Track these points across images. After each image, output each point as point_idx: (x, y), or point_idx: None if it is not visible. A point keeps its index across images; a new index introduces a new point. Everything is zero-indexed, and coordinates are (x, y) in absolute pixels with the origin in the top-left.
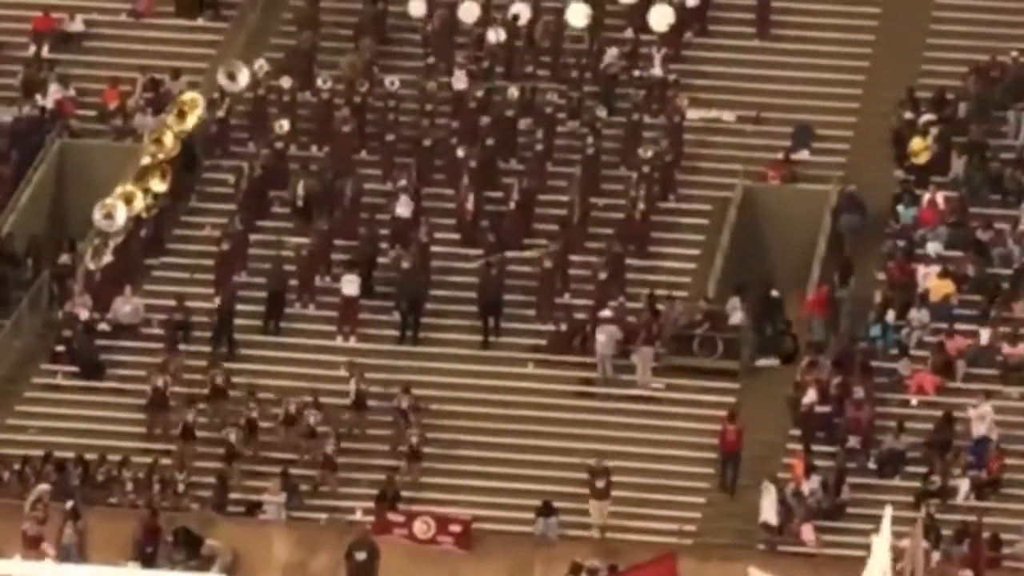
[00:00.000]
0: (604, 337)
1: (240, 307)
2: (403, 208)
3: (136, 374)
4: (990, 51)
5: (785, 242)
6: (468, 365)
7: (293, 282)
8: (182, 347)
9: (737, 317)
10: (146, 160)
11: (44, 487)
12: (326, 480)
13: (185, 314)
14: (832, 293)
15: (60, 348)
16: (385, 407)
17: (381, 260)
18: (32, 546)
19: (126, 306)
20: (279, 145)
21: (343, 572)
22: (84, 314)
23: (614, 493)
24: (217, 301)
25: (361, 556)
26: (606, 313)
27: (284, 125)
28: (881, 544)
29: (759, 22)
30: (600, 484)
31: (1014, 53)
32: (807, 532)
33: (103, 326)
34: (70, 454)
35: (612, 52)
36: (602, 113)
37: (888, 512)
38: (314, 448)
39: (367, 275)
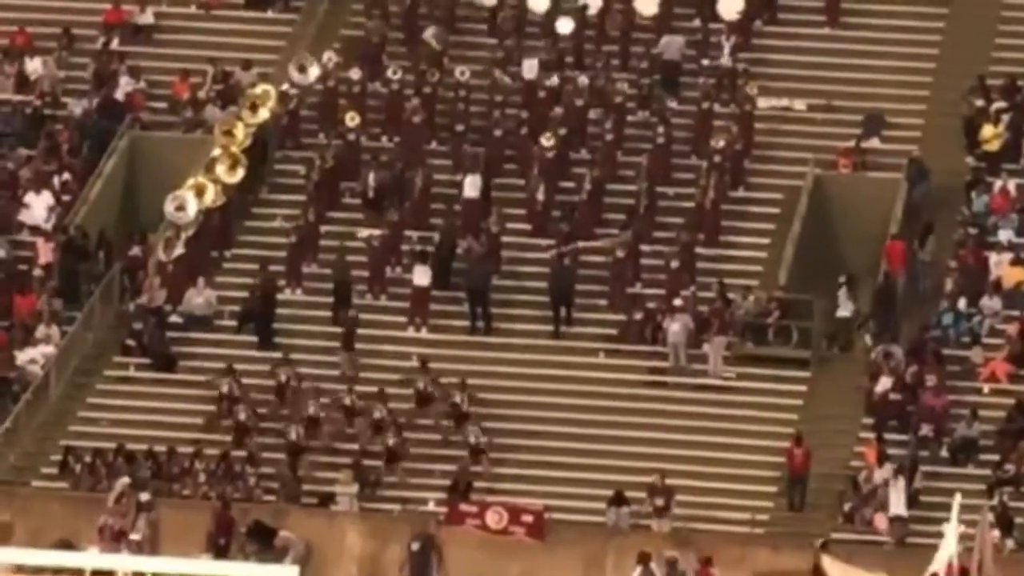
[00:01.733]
0: (677, 326)
1: (311, 299)
2: (471, 189)
3: (208, 366)
4: None
5: (856, 230)
6: (539, 355)
7: (364, 273)
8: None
9: (848, 308)
10: (217, 152)
11: (125, 480)
12: (393, 472)
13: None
14: (910, 251)
15: (131, 341)
16: (454, 399)
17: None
18: (116, 539)
19: (198, 298)
20: (351, 137)
21: None
22: (156, 306)
23: (686, 482)
24: (288, 293)
25: (415, 547)
26: (678, 302)
27: (355, 118)
28: (951, 532)
29: (829, 10)
30: (660, 502)
31: None
32: (880, 520)
33: (175, 318)
34: (142, 446)
35: (671, 39)
36: (670, 103)
37: (957, 500)
38: (380, 440)
39: (439, 266)
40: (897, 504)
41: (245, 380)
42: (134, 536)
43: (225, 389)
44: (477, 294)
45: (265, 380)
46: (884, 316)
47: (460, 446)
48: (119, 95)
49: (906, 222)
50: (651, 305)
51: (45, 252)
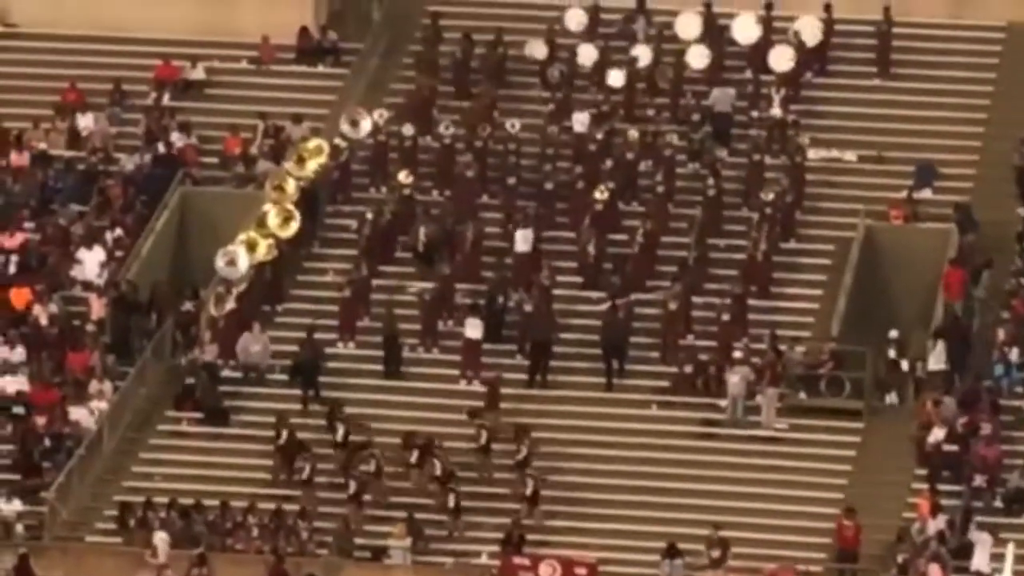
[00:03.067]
0: (737, 378)
1: (363, 352)
2: (523, 244)
3: (261, 420)
4: None
5: (908, 281)
6: (591, 407)
7: (415, 326)
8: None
9: (939, 362)
10: (268, 206)
11: (163, 535)
12: (452, 525)
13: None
14: (967, 284)
15: (184, 395)
16: (508, 450)
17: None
18: None
19: (255, 344)
20: (406, 191)
21: None
22: (208, 360)
23: (741, 534)
24: (341, 347)
25: None
26: (738, 354)
27: (409, 176)
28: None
29: (879, 61)
30: (716, 554)
31: None
32: (934, 572)
33: (227, 372)
34: (194, 500)
35: (723, 92)
36: (721, 154)
37: (1011, 550)
38: (438, 494)
39: (490, 319)
40: (981, 559)
41: (300, 433)
42: None
43: (283, 440)
44: (538, 348)
45: (317, 434)
46: (957, 348)
47: (512, 499)
48: (170, 150)
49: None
50: (703, 357)
51: (97, 308)
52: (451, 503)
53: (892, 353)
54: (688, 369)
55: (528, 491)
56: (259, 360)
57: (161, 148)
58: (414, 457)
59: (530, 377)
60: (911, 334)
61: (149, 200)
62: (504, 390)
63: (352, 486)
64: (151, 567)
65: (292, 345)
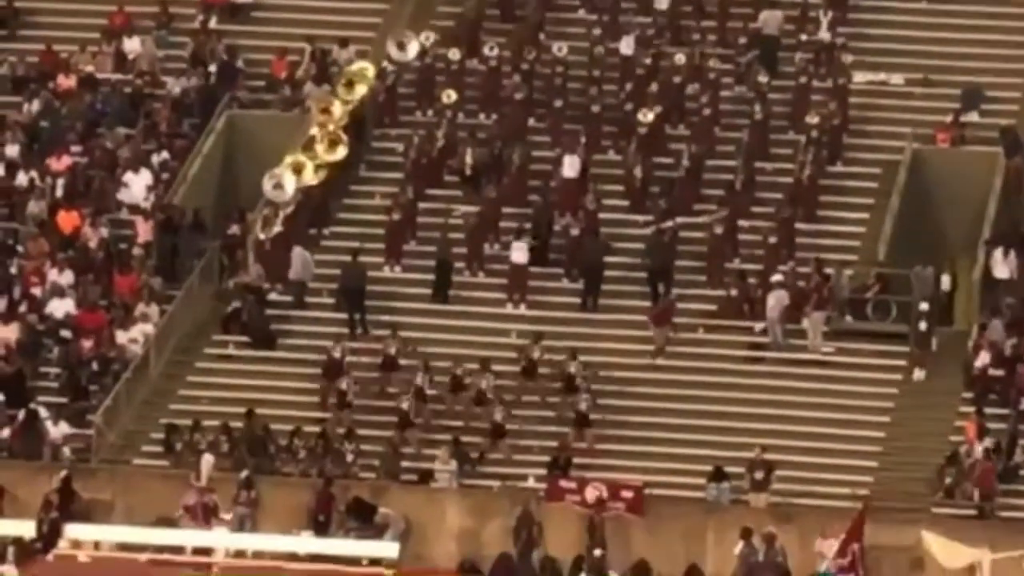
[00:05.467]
0: (773, 301)
1: (410, 276)
2: (569, 169)
3: (307, 343)
4: None
5: (955, 205)
6: (638, 331)
7: (462, 250)
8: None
9: (1004, 271)
10: (315, 130)
11: (210, 458)
12: (496, 448)
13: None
14: None
15: (231, 319)
16: (554, 374)
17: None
18: (207, 518)
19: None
20: (448, 114)
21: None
22: (255, 284)
23: (787, 457)
24: (387, 270)
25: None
26: (776, 278)
27: (451, 95)
28: None
29: None
30: (759, 476)
31: None
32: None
33: (275, 296)
34: (241, 424)
35: (772, 14)
36: (764, 78)
37: None
38: (483, 416)
39: (537, 243)
40: None
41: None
42: (225, 515)
43: (337, 354)
44: (587, 273)
45: (364, 357)
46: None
47: (561, 422)
48: (216, 73)
49: (1004, 193)
50: (750, 280)
51: (144, 231)
52: (492, 427)
53: (946, 283)
54: (734, 293)
55: (577, 415)
56: (298, 277)
57: (209, 71)
58: (453, 380)
59: (583, 301)
60: (958, 258)
61: (196, 123)
62: (552, 314)
63: (402, 408)
64: (196, 490)
65: (338, 269)
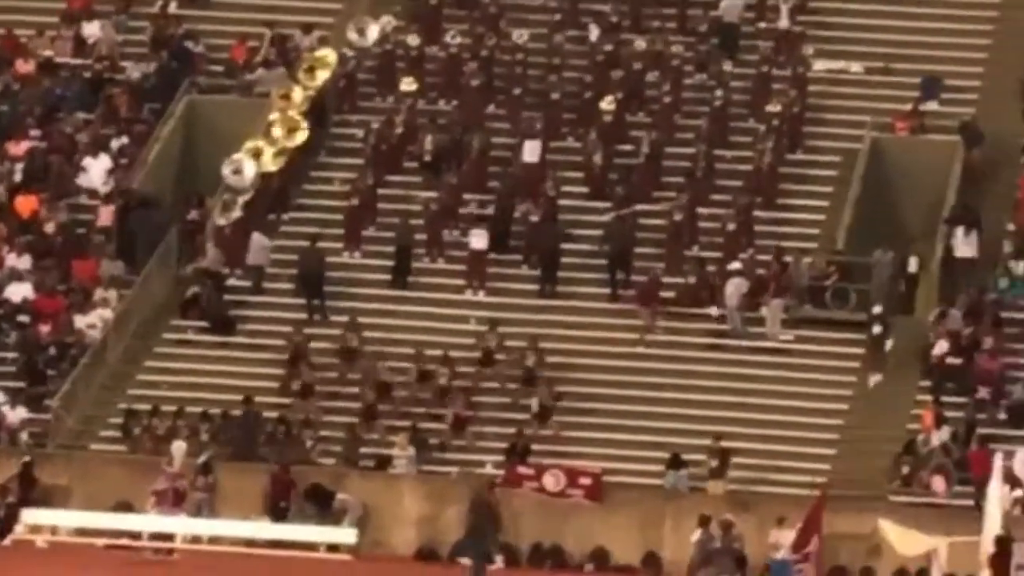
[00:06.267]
0: (732, 289)
1: (369, 262)
2: (530, 154)
3: (266, 329)
4: None
5: (914, 193)
6: (597, 318)
7: (421, 236)
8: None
9: (967, 250)
10: (274, 115)
11: (181, 444)
12: (456, 436)
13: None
14: None
15: (190, 304)
16: (514, 361)
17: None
18: (177, 503)
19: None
20: (408, 100)
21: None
22: (214, 269)
23: (745, 445)
24: (346, 256)
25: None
26: (735, 266)
27: (412, 83)
28: (994, 491)
29: None
30: (715, 464)
31: None
32: (937, 483)
33: (233, 281)
34: (200, 409)
35: (732, 2)
36: (726, 66)
37: (999, 460)
38: (443, 404)
39: (497, 229)
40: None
41: (305, 343)
42: (197, 497)
43: (299, 341)
44: (544, 259)
45: (325, 344)
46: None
47: (520, 409)
48: (175, 58)
49: (963, 184)
50: (709, 268)
51: (103, 216)
52: (452, 416)
53: (913, 265)
54: (693, 280)
55: (536, 403)
56: (255, 262)
57: (168, 56)
58: (416, 370)
59: (540, 288)
60: (917, 245)
61: (156, 108)
62: (511, 300)
63: (369, 396)
64: (167, 475)
65: (297, 254)
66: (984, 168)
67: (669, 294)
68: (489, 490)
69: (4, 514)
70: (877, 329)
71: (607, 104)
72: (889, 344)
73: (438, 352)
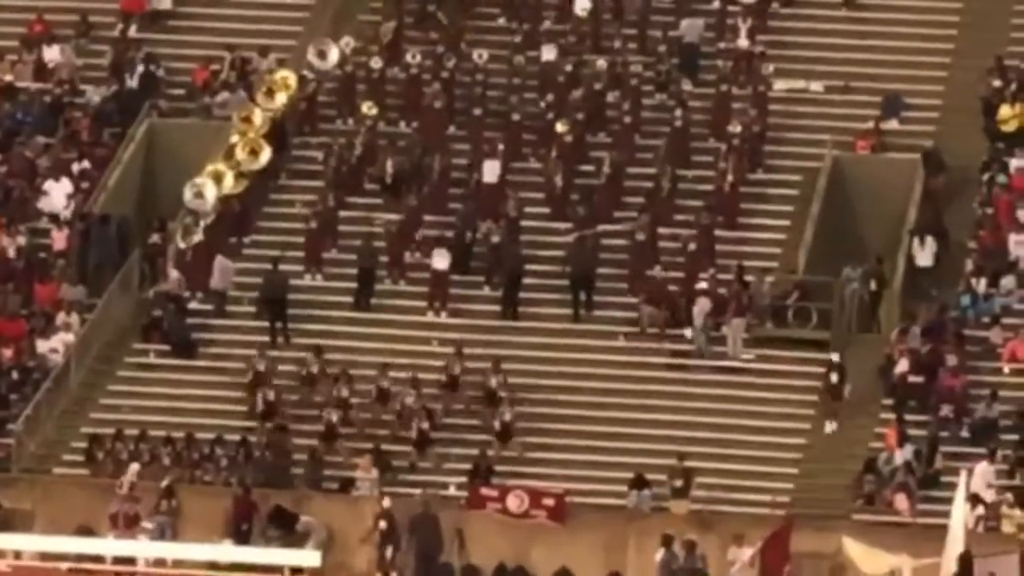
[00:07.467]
0: (698, 309)
1: (332, 284)
2: (490, 174)
3: (228, 352)
4: None
5: (876, 211)
6: (560, 339)
7: (383, 258)
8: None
9: (928, 259)
10: (235, 138)
11: (135, 467)
12: (420, 458)
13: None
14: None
15: (151, 327)
16: (476, 382)
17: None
18: (129, 526)
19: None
20: (369, 123)
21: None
22: (175, 292)
23: (708, 464)
24: (308, 279)
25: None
26: (702, 285)
27: (372, 107)
28: (958, 508)
29: None
30: (678, 483)
31: None
32: (900, 501)
33: (195, 304)
34: (162, 432)
35: (692, 22)
36: (687, 86)
37: (963, 477)
38: (406, 426)
39: (458, 250)
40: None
41: (268, 366)
42: (147, 524)
43: (261, 368)
44: (507, 280)
45: (288, 366)
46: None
47: (482, 431)
48: (137, 82)
49: (924, 207)
50: (672, 288)
51: (60, 239)
52: (416, 437)
53: (874, 284)
54: (654, 301)
55: (499, 424)
56: (217, 286)
57: (128, 80)
58: (378, 391)
59: (502, 309)
60: (878, 263)
61: (117, 132)
62: (473, 322)
63: (332, 418)
64: (121, 498)
65: (259, 277)
66: (946, 195)
67: (631, 315)
68: (430, 506)
69: None
70: (834, 378)
71: (562, 127)
72: (847, 391)
73: (402, 374)
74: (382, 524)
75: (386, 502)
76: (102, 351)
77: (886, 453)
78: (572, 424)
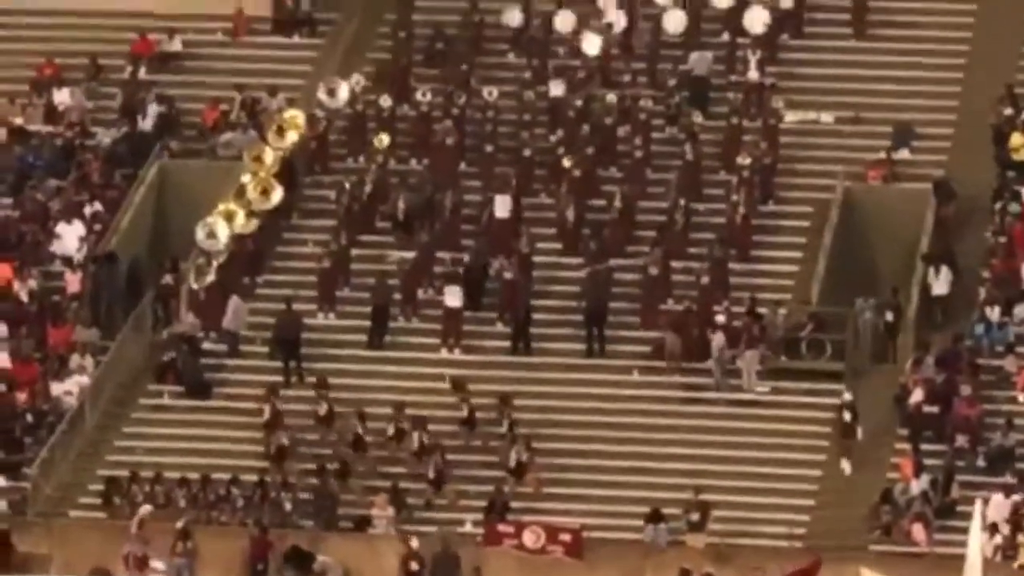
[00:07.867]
0: (716, 342)
1: (345, 323)
2: (501, 209)
3: (243, 392)
4: None
5: (888, 242)
6: (573, 374)
7: (395, 296)
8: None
9: (941, 287)
10: (246, 178)
11: (147, 508)
12: (436, 495)
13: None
14: None
15: (165, 368)
16: (490, 418)
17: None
18: (139, 567)
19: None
20: (380, 159)
21: None
22: (189, 333)
23: (724, 497)
24: (321, 317)
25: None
26: (719, 318)
27: (383, 140)
28: (974, 538)
29: (855, 22)
30: (695, 517)
31: None
32: (917, 532)
33: (209, 344)
34: (178, 474)
35: (701, 55)
36: (697, 119)
37: (979, 507)
38: (422, 465)
39: (471, 287)
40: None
41: (282, 405)
42: (158, 564)
43: (268, 414)
44: (519, 317)
45: (300, 405)
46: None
47: (498, 467)
48: (148, 124)
49: (936, 236)
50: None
51: (77, 283)
52: (432, 474)
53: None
54: (669, 334)
55: (513, 461)
56: (230, 327)
57: (139, 122)
58: (395, 429)
59: (513, 345)
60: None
61: (128, 174)
62: (486, 358)
63: (346, 456)
64: (130, 540)
65: (272, 317)
66: (957, 223)
67: (645, 348)
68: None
69: None
70: (848, 416)
71: (568, 162)
72: (860, 433)
73: (416, 412)
74: (413, 566)
75: (414, 543)
76: (116, 393)
77: (902, 483)
78: (587, 459)
